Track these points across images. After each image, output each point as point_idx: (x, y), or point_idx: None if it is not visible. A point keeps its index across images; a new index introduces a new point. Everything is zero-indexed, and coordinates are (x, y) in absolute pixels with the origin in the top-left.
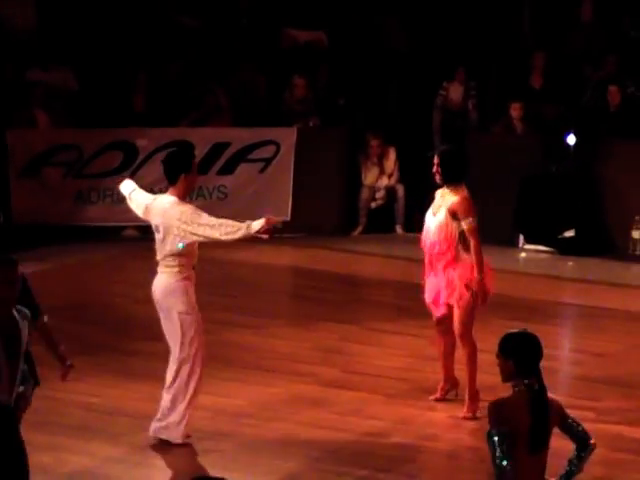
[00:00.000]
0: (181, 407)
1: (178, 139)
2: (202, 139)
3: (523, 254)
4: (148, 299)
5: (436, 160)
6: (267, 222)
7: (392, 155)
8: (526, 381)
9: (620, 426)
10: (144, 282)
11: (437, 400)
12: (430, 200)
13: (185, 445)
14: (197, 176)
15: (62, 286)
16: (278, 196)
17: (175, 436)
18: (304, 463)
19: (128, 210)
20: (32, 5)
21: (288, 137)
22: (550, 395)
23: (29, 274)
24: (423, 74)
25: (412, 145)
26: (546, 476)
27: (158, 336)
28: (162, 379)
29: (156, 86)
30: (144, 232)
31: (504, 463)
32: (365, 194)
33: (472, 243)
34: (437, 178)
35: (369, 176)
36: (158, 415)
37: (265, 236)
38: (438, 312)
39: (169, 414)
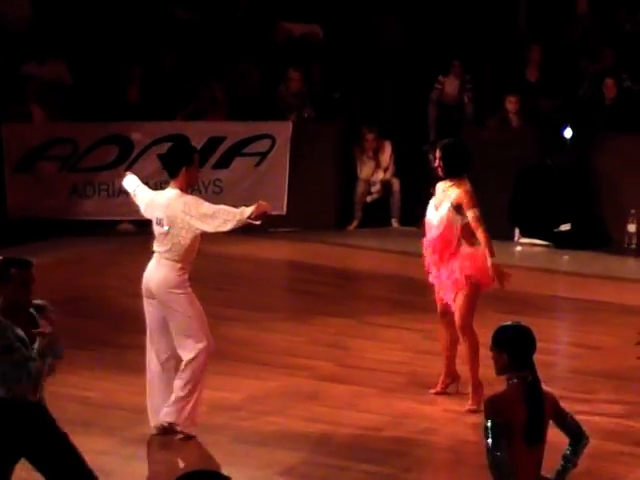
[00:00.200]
0: (194, 396)
1: (173, 133)
2: (197, 133)
3: (519, 248)
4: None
5: (438, 154)
6: (257, 208)
7: (388, 149)
8: (520, 374)
9: (615, 419)
10: (139, 276)
11: (437, 393)
12: (427, 194)
13: (181, 439)
14: (198, 170)
15: (57, 280)
16: (274, 190)
17: (185, 423)
18: (299, 457)
19: (123, 204)
20: None
21: (283, 131)
22: (545, 388)
23: None
24: (419, 68)
25: (408, 139)
26: (542, 473)
27: None
28: None
29: (151, 79)
30: (139, 226)
31: (498, 454)
32: (361, 188)
33: (480, 231)
34: (439, 172)
35: (365, 170)
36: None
37: (257, 222)
38: (447, 305)
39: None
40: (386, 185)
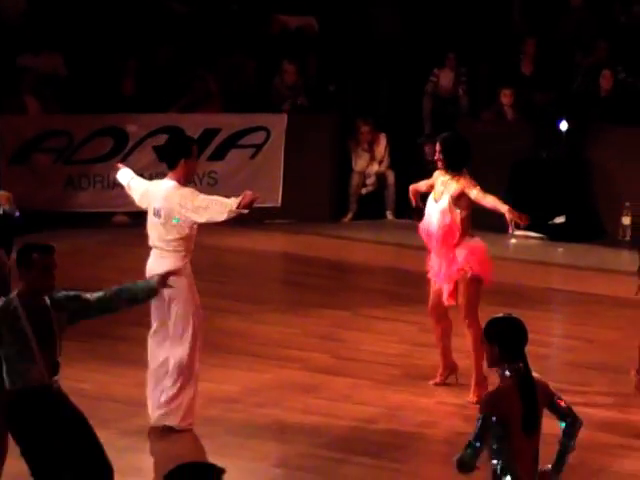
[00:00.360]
0: (188, 391)
1: (168, 125)
2: (192, 125)
3: (513, 240)
4: None
5: (438, 147)
6: (244, 198)
7: (382, 141)
8: (512, 365)
9: (610, 411)
10: (134, 268)
11: (437, 385)
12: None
13: (175, 431)
14: (197, 162)
15: None
16: (269, 182)
17: (179, 421)
18: (294, 449)
19: (118, 196)
20: None
21: (278, 123)
22: (536, 375)
23: None
24: (414, 60)
25: (403, 131)
26: (540, 465)
27: (147, 322)
28: None
29: (145, 71)
30: (134, 218)
31: (477, 444)
32: (355, 180)
33: (487, 195)
34: (439, 165)
35: (359, 162)
36: (160, 402)
37: (245, 210)
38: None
39: (172, 400)
40: (381, 177)
